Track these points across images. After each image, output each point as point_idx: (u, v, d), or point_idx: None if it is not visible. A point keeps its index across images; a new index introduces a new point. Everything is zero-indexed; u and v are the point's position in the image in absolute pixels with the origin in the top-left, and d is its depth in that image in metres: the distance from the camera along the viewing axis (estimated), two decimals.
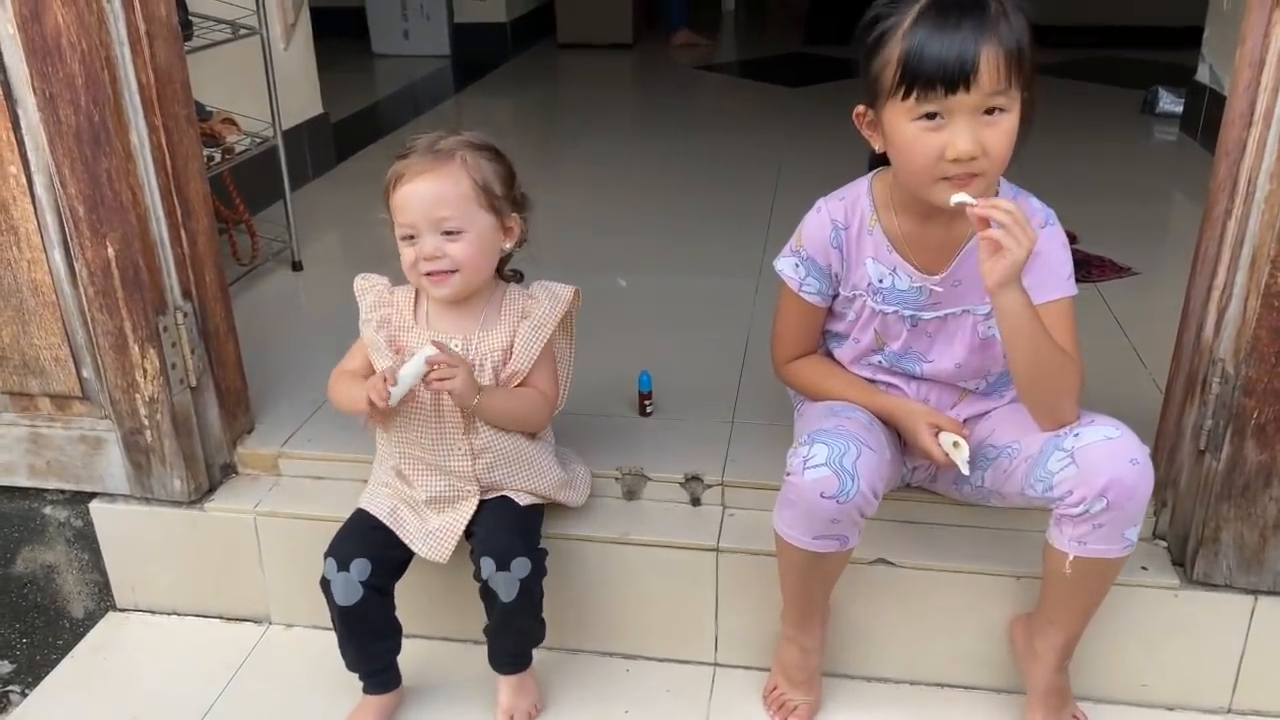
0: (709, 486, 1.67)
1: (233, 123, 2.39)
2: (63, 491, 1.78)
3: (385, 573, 1.48)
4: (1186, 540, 1.51)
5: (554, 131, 4.18)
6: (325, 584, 1.45)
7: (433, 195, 1.40)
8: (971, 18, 1.20)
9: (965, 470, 1.37)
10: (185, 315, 1.65)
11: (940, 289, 1.41)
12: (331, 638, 1.51)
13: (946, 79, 1.19)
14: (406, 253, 1.43)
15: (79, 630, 1.81)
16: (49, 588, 1.84)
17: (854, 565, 1.52)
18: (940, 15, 1.20)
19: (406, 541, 1.50)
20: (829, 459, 1.29)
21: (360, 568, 1.44)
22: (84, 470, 1.74)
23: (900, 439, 1.48)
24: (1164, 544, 1.57)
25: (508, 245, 1.48)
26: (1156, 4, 4.84)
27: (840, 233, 1.43)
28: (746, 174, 3.28)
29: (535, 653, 1.55)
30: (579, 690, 1.61)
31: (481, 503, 1.52)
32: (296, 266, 2.56)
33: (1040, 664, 1.44)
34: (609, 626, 1.67)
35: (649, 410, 1.85)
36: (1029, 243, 1.21)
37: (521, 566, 1.41)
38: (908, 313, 1.43)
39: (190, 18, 2.25)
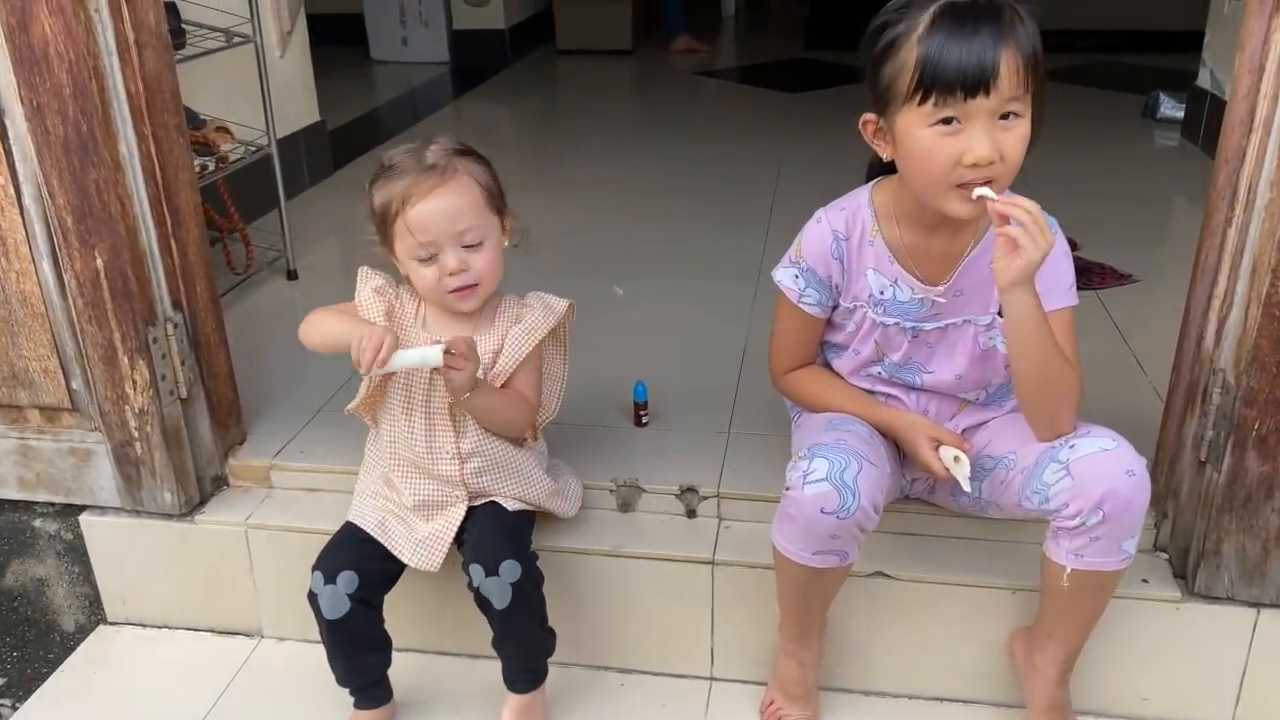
0: (705, 498, 1.65)
1: (227, 131, 2.38)
2: (53, 504, 1.77)
3: (373, 585, 1.47)
4: (1188, 552, 1.49)
5: (553, 137, 4.17)
6: (313, 597, 1.44)
7: (452, 210, 1.39)
8: (989, 22, 1.19)
9: (966, 487, 1.36)
10: (175, 326, 1.63)
11: (942, 299, 1.39)
12: (324, 652, 1.50)
13: (966, 83, 1.18)
14: (426, 272, 1.42)
15: (70, 644, 1.79)
16: (39, 601, 1.83)
17: (852, 578, 1.50)
18: (957, 20, 1.19)
19: (395, 552, 1.48)
20: (830, 474, 1.27)
21: (347, 580, 1.42)
22: (74, 483, 1.73)
23: (900, 451, 1.46)
24: (1165, 556, 1.55)
25: (507, 243, 1.49)
26: (1157, 8, 4.83)
27: (841, 243, 1.42)
28: (746, 179, 3.26)
29: None
30: (573, 705, 1.59)
31: (470, 510, 1.50)
32: (292, 275, 2.55)
33: (1040, 678, 1.42)
34: (603, 640, 1.65)
35: (645, 420, 1.83)
36: (1046, 245, 1.19)
37: (511, 570, 1.39)
38: (909, 324, 1.41)
39: (183, 26, 2.24)
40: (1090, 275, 2.41)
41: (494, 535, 1.46)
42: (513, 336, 1.49)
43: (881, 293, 1.41)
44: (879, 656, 1.58)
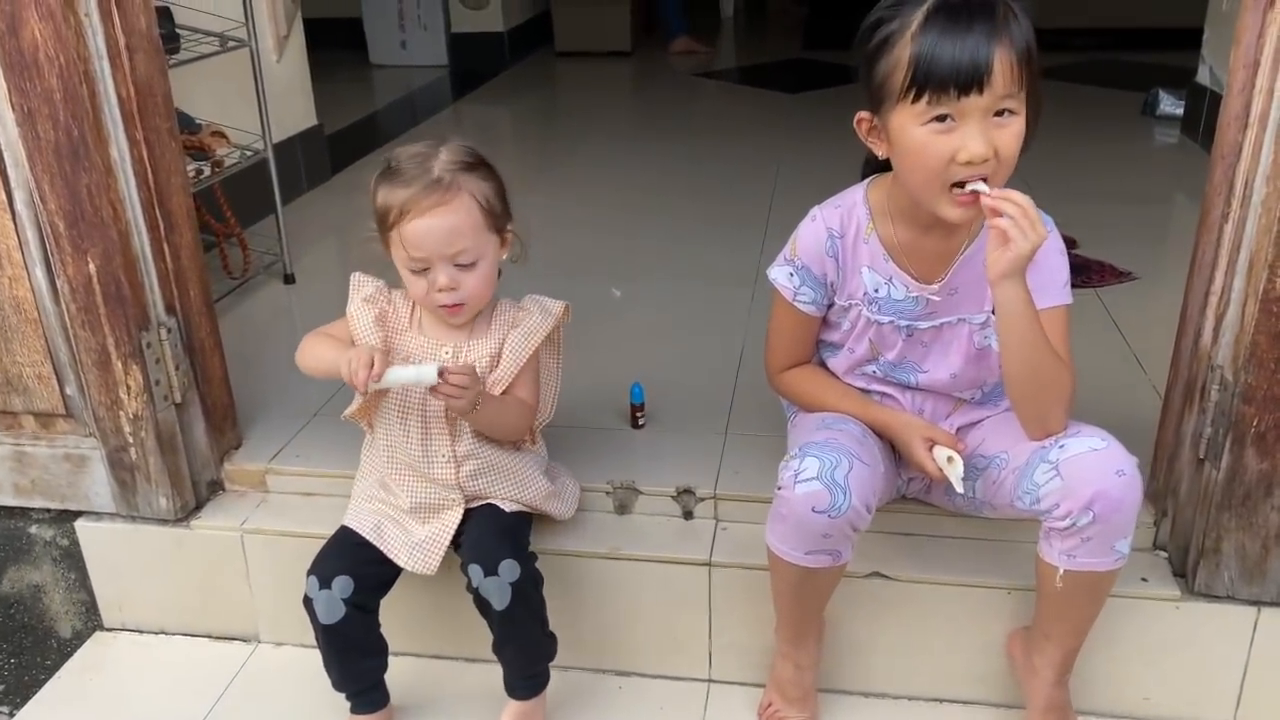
0: (701, 500, 1.64)
1: (222, 135, 2.37)
2: (48, 510, 1.77)
3: (369, 590, 1.46)
4: (1187, 551, 1.48)
5: (551, 139, 4.16)
6: (308, 602, 1.43)
7: (447, 230, 1.38)
8: (982, 20, 1.18)
9: (959, 488, 1.35)
10: (169, 331, 1.63)
11: (937, 298, 1.38)
12: (320, 656, 1.49)
13: (960, 80, 1.17)
14: (418, 283, 1.41)
15: (66, 650, 1.79)
16: (36, 607, 1.82)
17: (849, 579, 1.50)
18: (950, 18, 1.19)
19: (391, 556, 1.47)
20: (820, 473, 1.26)
21: (343, 585, 1.42)
22: (69, 489, 1.73)
23: (895, 451, 1.46)
24: (1165, 555, 1.54)
25: (504, 256, 1.48)
26: (1156, 5, 4.82)
27: (836, 241, 1.41)
28: (744, 180, 3.26)
29: None
30: (571, 708, 1.59)
31: (467, 512, 1.50)
32: (289, 279, 2.54)
33: (1038, 679, 1.41)
34: (601, 643, 1.64)
35: (641, 422, 1.82)
36: (1036, 238, 1.19)
37: (510, 570, 1.39)
38: (903, 323, 1.41)
39: (178, 30, 2.23)
40: (1090, 273, 2.40)
41: (492, 535, 1.45)
42: (511, 342, 1.48)
43: (876, 291, 1.40)
44: (877, 658, 1.58)
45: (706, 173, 3.43)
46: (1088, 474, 1.24)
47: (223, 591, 1.73)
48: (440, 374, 1.35)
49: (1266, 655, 1.48)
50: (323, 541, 1.50)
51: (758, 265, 2.42)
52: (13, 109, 1.45)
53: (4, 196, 1.52)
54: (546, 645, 1.49)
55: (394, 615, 1.51)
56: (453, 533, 1.49)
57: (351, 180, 3.39)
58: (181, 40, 2.26)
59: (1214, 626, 1.48)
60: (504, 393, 1.49)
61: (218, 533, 1.70)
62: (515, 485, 1.52)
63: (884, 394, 1.48)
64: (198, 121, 2.38)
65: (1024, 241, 1.19)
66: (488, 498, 1.51)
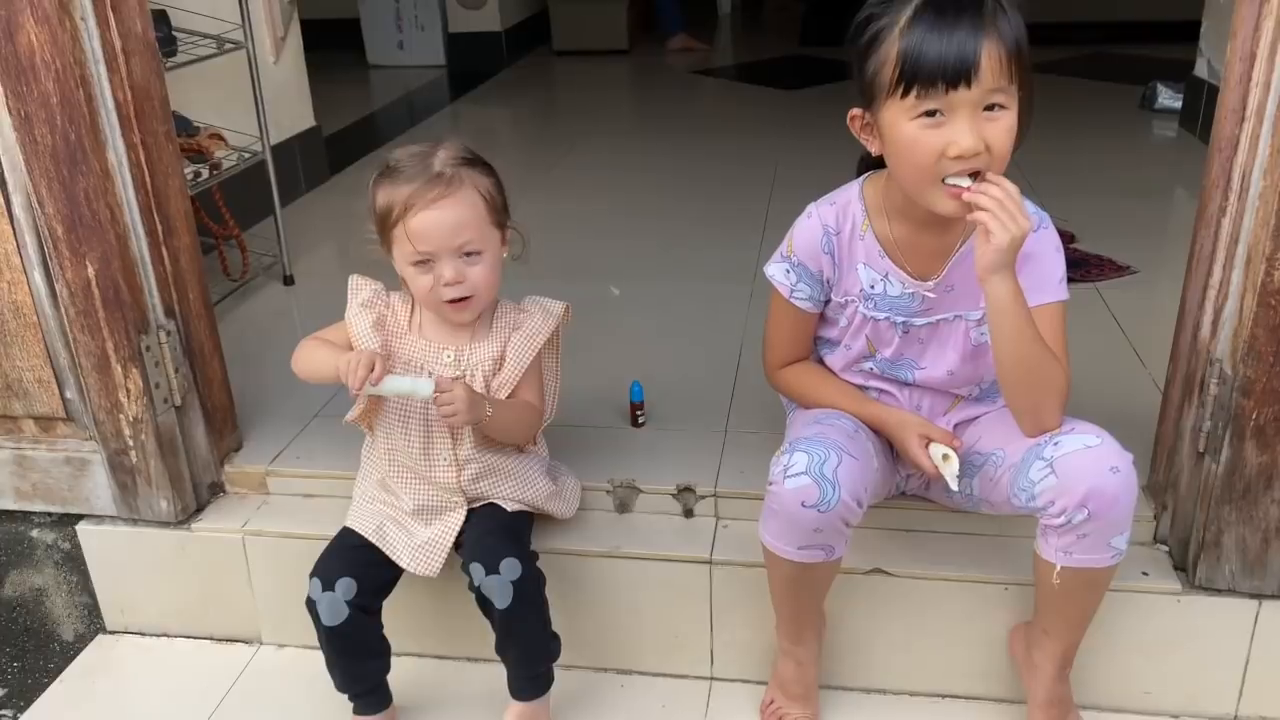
0: (702, 498, 1.64)
1: (220, 138, 2.37)
2: (49, 514, 1.77)
3: (372, 591, 1.46)
4: (1188, 545, 1.48)
5: (549, 138, 4.16)
6: (311, 604, 1.43)
7: (453, 222, 1.38)
8: (969, 14, 1.18)
9: (953, 485, 1.35)
10: (169, 334, 1.63)
11: (933, 294, 1.38)
12: (323, 658, 1.49)
13: (948, 75, 1.17)
14: (423, 279, 1.41)
15: (69, 653, 1.79)
16: (38, 611, 1.83)
17: (850, 575, 1.50)
18: (938, 12, 1.19)
19: (394, 558, 1.48)
20: (809, 467, 1.26)
21: (346, 587, 1.42)
22: (70, 492, 1.73)
23: (893, 447, 1.45)
24: (1165, 549, 1.54)
25: (505, 254, 1.48)
26: None
27: (832, 238, 1.41)
28: (743, 178, 3.26)
29: None
30: (573, 707, 1.59)
31: (469, 512, 1.50)
32: (288, 281, 2.54)
33: (1039, 674, 1.41)
34: (602, 642, 1.64)
35: (641, 420, 1.82)
36: (1017, 229, 1.18)
37: (511, 568, 1.39)
38: (899, 320, 1.41)
39: (174, 33, 2.23)
40: (1088, 268, 2.40)
41: (493, 534, 1.45)
42: (514, 344, 1.48)
43: (872, 287, 1.40)
44: (879, 654, 1.58)
45: (705, 170, 3.43)
46: (1082, 471, 1.24)
47: (224, 594, 1.73)
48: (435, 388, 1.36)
49: (1268, 648, 1.48)
50: (324, 543, 1.50)
51: (756, 262, 2.40)
52: (9, 113, 1.45)
53: (2, 201, 1.52)
54: (549, 645, 1.49)
55: (396, 615, 1.51)
56: (455, 534, 1.49)
57: (350, 181, 3.39)
58: (178, 43, 2.26)
59: (1215, 620, 1.48)
60: (509, 396, 1.49)
61: (219, 535, 1.70)
62: (517, 486, 1.52)
63: (881, 390, 1.48)
64: (196, 124, 2.38)
65: (1003, 233, 1.18)
66: (490, 498, 1.51)
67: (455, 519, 1.49)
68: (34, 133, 1.45)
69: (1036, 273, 1.30)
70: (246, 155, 2.42)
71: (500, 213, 1.45)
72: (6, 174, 1.50)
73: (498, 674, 1.49)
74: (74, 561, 1.77)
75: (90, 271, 1.53)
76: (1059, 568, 1.29)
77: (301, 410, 1.89)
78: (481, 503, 1.51)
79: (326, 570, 1.43)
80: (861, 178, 1.44)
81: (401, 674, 1.55)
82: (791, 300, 1.45)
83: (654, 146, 3.83)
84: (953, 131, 1.20)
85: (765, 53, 5.67)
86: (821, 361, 1.54)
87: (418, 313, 1.50)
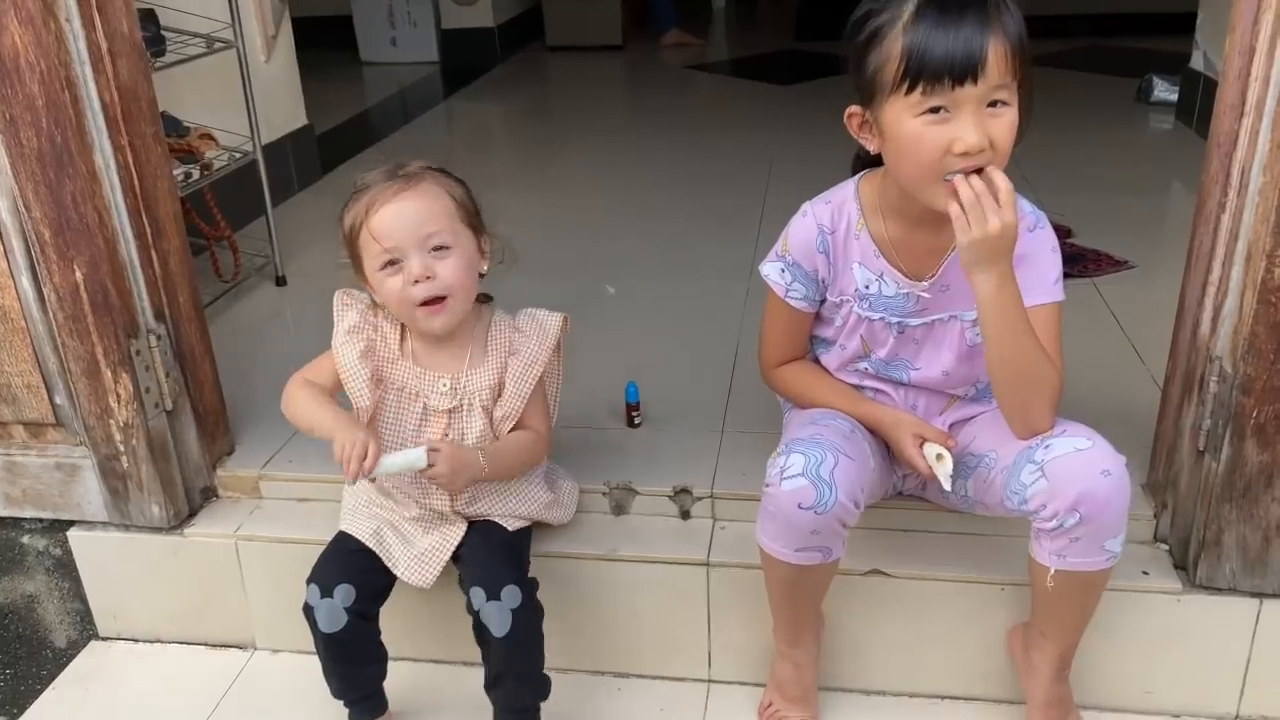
0: (698, 499, 1.63)
1: (211, 138, 2.36)
2: (40, 520, 1.75)
3: (370, 597, 1.44)
4: (1188, 544, 1.47)
5: (543, 135, 4.14)
6: (308, 611, 1.41)
7: (417, 212, 1.34)
8: (974, 10, 1.17)
9: (946, 485, 1.34)
10: (159, 338, 1.61)
11: (928, 294, 1.37)
12: (318, 663, 1.48)
13: (955, 71, 1.16)
14: (391, 282, 1.36)
15: (62, 660, 1.78)
16: (30, 618, 1.81)
17: (848, 577, 1.49)
18: (942, 9, 1.18)
19: (390, 566, 1.46)
20: (805, 469, 1.25)
21: (344, 593, 1.40)
22: (61, 498, 1.71)
23: (889, 447, 1.44)
24: (1165, 547, 1.53)
25: (484, 268, 1.43)
26: None
27: (827, 237, 1.40)
28: (738, 174, 3.24)
29: None
30: (570, 710, 1.58)
31: (470, 523, 1.48)
32: (280, 281, 2.53)
33: (1037, 676, 1.41)
34: (599, 645, 1.63)
35: (637, 421, 1.81)
36: (999, 222, 1.17)
37: (512, 596, 1.36)
38: (894, 320, 1.40)
39: (163, 33, 2.21)
40: (1086, 263, 2.39)
41: (494, 556, 1.43)
42: (513, 372, 1.44)
43: (867, 287, 1.39)
44: (878, 655, 1.57)
45: (699, 167, 3.41)
46: (1072, 475, 1.23)
47: (218, 599, 1.72)
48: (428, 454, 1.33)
49: (1269, 647, 1.47)
50: (318, 548, 1.48)
51: (752, 260, 2.40)
52: None
53: None
54: (539, 684, 1.45)
55: (392, 619, 1.50)
56: (453, 548, 1.47)
57: (343, 180, 3.33)
58: (167, 42, 2.24)
59: (1216, 619, 1.47)
60: (514, 427, 1.45)
61: (212, 540, 1.69)
62: (516, 501, 1.50)
63: (877, 390, 1.47)
64: (186, 124, 2.36)
65: (977, 227, 1.18)
66: (488, 516, 1.49)
67: (455, 532, 1.47)
68: (19, 135, 1.44)
69: (1032, 273, 1.29)
70: (238, 155, 2.41)
71: (473, 216, 1.40)
72: None
73: None
74: (65, 568, 1.76)
75: (78, 275, 1.51)
76: (1053, 571, 1.27)
77: None
78: (480, 517, 1.49)
79: (324, 576, 1.41)
80: (857, 176, 1.42)
81: (397, 679, 1.54)
82: (787, 300, 1.44)
83: (648, 143, 3.81)
84: (958, 128, 1.19)
85: (759, 48, 5.65)
86: (817, 361, 1.53)
87: (409, 338, 1.46)
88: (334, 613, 1.39)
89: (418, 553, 1.46)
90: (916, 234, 1.35)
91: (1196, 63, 3.52)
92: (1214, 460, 1.41)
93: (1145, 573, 1.49)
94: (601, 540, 1.60)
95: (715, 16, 6.81)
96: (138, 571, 1.73)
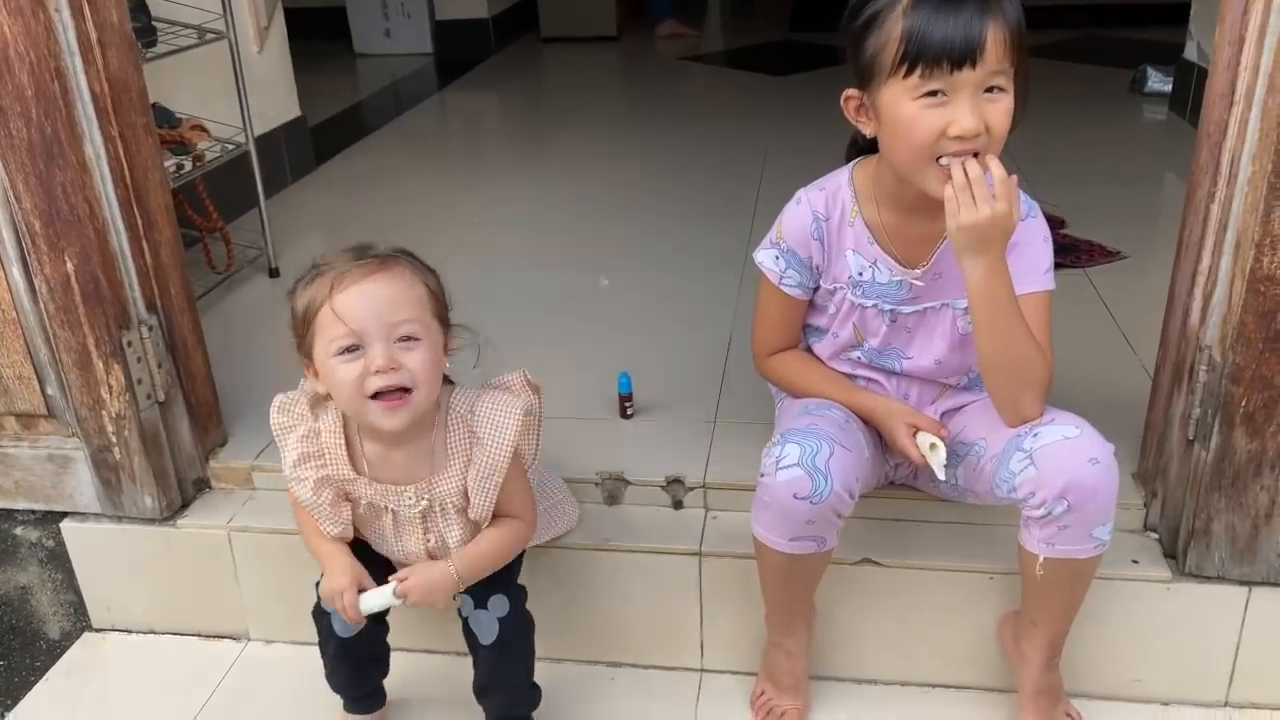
0: (690, 489, 1.64)
1: (202, 129, 2.35)
2: (33, 511, 1.75)
3: None
4: (1178, 532, 1.48)
5: (538, 126, 4.13)
6: (321, 616, 1.40)
7: (387, 297, 1.21)
8: None
9: (940, 475, 1.34)
10: (150, 329, 1.61)
11: (921, 282, 1.37)
12: (312, 652, 1.48)
13: (953, 55, 1.17)
14: (346, 369, 1.21)
15: (55, 651, 1.78)
16: (23, 609, 1.81)
17: (839, 566, 1.49)
18: None
19: (385, 554, 1.45)
20: (801, 459, 1.26)
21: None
22: (53, 490, 1.71)
23: (882, 436, 1.45)
24: (1155, 536, 1.54)
25: (448, 365, 1.31)
26: None
27: (821, 224, 1.40)
28: (733, 165, 3.24)
29: None
30: (563, 700, 1.58)
31: None
32: (273, 273, 2.52)
33: (1028, 665, 1.41)
34: (592, 635, 1.64)
35: (629, 412, 1.81)
36: (990, 208, 1.18)
37: (499, 605, 1.36)
38: (887, 307, 1.40)
39: (154, 23, 2.21)
40: (1078, 253, 2.39)
41: None
42: (473, 484, 1.31)
43: (860, 274, 1.39)
44: (869, 644, 1.57)
45: (694, 157, 3.41)
46: (1060, 463, 1.23)
47: (211, 590, 1.72)
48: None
49: (1258, 635, 1.47)
50: None
51: (746, 249, 2.40)
52: None
53: None
54: (529, 694, 1.44)
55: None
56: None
57: (335, 171, 3.37)
58: (158, 33, 2.23)
59: (1205, 607, 1.47)
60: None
61: (205, 531, 1.69)
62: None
63: (869, 379, 1.47)
64: (178, 115, 2.36)
65: (967, 212, 1.18)
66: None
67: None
68: (9, 126, 1.43)
69: (1023, 262, 1.30)
70: (230, 146, 2.40)
71: (442, 308, 1.29)
72: None
73: None
74: (58, 559, 1.76)
75: (69, 266, 1.51)
76: (1042, 559, 1.28)
77: None
78: None
79: None
80: (851, 163, 1.42)
81: (392, 669, 1.54)
82: (781, 287, 1.44)
83: (643, 134, 3.81)
84: (954, 111, 1.19)
85: (754, 38, 5.64)
86: (810, 350, 1.53)
87: (358, 447, 1.33)
88: None
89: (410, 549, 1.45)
90: (910, 221, 1.36)
91: (1190, 53, 3.51)
92: (1203, 449, 1.41)
93: (1135, 561, 1.49)
94: (594, 530, 1.61)
95: (710, 7, 6.79)
96: (131, 563, 1.73)
